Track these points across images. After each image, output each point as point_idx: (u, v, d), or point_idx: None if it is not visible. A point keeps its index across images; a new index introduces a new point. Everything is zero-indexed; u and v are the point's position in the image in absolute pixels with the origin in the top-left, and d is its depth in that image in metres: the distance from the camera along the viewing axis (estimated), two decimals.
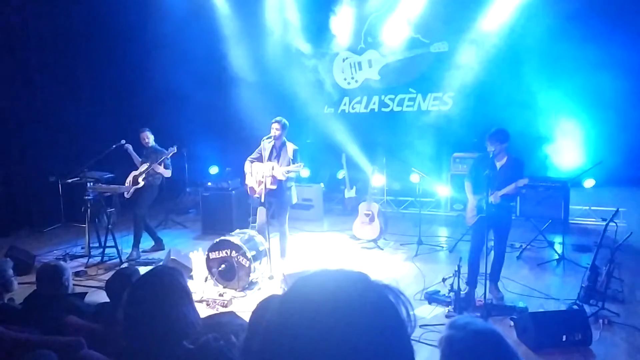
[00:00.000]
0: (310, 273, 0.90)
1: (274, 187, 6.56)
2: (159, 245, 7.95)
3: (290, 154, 6.62)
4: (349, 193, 9.83)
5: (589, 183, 8.47)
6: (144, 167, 7.65)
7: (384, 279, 0.90)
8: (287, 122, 6.72)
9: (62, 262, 4.31)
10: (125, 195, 7.68)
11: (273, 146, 6.68)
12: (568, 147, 8.68)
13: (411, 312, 0.88)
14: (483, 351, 1.69)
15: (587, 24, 7.99)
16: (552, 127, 8.73)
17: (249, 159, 6.85)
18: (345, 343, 0.79)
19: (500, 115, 8.39)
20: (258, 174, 6.66)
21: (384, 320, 0.84)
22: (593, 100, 8.30)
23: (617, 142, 7.85)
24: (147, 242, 7.98)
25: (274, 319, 0.86)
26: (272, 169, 6.54)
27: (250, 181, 6.78)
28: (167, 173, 7.78)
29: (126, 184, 7.72)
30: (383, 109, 10.62)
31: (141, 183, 7.59)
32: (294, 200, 7.00)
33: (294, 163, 6.60)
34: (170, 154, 7.63)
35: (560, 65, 8.48)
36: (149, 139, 7.80)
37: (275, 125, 6.63)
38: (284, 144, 6.69)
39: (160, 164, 7.60)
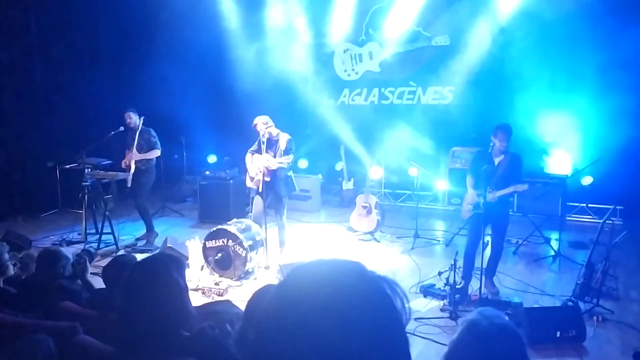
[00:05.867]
0: (306, 263, 0.90)
1: (268, 179, 6.49)
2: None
3: (282, 145, 6.53)
4: (347, 185, 9.84)
5: (586, 180, 8.48)
6: (137, 155, 7.48)
7: (380, 270, 0.90)
8: (267, 118, 6.57)
9: (61, 248, 4.32)
10: (128, 183, 7.52)
11: (268, 138, 6.50)
12: (566, 143, 8.69)
13: (406, 303, 0.88)
14: (499, 349, 1.68)
15: (588, 20, 7.97)
16: (551, 123, 8.71)
17: (249, 151, 6.78)
18: (340, 332, 0.80)
19: (500, 110, 8.38)
20: (257, 166, 6.60)
21: (379, 310, 0.84)
22: (593, 97, 8.29)
23: (616, 140, 7.84)
24: (139, 231, 7.96)
25: (269, 308, 0.87)
26: (268, 160, 6.47)
27: (252, 172, 6.69)
28: (158, 152, 7.62)
29: (125, 169, 7.58)
30: (383, 102, 10.57)
31: (132, 168, 7.44)
32: (296, 189, 6.93)
33: (286, 153, 6.52)
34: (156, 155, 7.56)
35: (561, 61, 8.46)
36: (132, 119, 7.48)
37: (256, 121, 6.56)
38: (278, 135, 6.59)
39: (150, 150, 7.49)
